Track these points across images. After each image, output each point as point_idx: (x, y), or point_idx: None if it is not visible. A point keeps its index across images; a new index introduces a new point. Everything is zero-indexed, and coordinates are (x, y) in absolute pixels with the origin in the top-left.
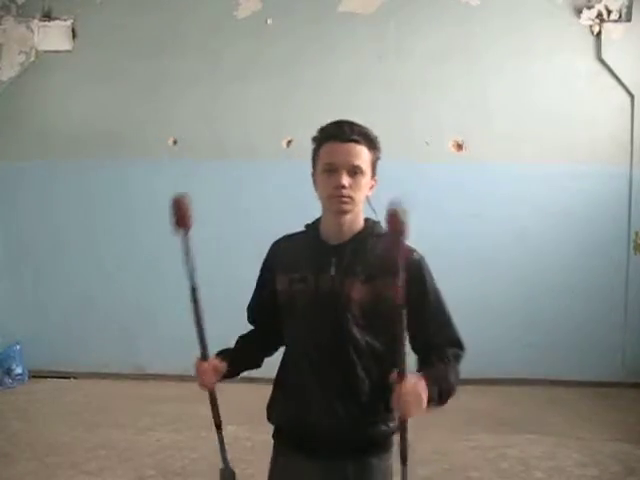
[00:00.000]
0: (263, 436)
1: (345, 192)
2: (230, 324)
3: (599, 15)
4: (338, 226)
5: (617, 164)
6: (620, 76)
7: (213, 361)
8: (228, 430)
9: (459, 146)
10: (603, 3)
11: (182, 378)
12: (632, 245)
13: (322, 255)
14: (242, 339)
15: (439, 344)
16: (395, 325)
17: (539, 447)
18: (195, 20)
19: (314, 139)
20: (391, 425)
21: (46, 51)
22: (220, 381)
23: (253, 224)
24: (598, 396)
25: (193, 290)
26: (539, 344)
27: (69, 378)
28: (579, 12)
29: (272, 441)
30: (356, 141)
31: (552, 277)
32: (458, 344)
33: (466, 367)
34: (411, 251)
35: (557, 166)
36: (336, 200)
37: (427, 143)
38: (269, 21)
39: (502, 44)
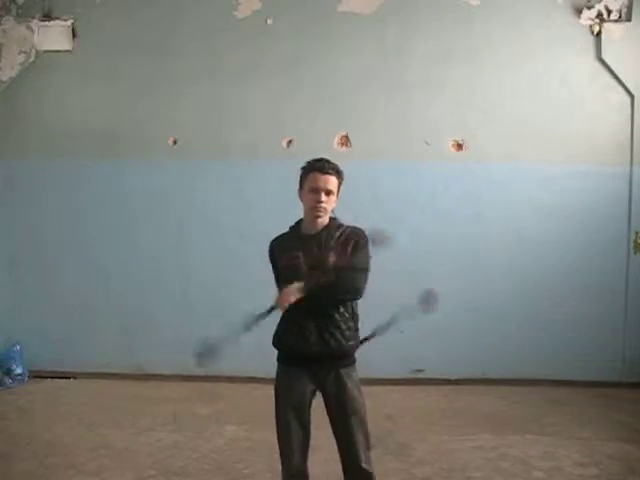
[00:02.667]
0: (263, 436)
1: (322, 205)
2: (234, 315)
3: (599, 15)
4: (315, 224)
5: (617, 164)
6: (620, 76)
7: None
8: (228, 430)
9: (459, 146)
10: (603, 3)
11: (182, 378)
12: (632, 245)
13: (303, 242)
14: None
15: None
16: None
17: (539, 447)
18: (195, 20)
19: (303, 168)
20: (355, 346)
21: (46, 51)
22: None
23: (253, 223)
24: (598, 396)
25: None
26: (539, 344)
27: (69, 378)
28: (579, 12)
29: (276, 363)
30: (330, 173)
31: (552, 277)
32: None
33: (467, 367)
34: (354, 226)
35: (557, 166)
36: (316, 210)
37: (427, 143)
38: (269, 21)
39: (502, 44)
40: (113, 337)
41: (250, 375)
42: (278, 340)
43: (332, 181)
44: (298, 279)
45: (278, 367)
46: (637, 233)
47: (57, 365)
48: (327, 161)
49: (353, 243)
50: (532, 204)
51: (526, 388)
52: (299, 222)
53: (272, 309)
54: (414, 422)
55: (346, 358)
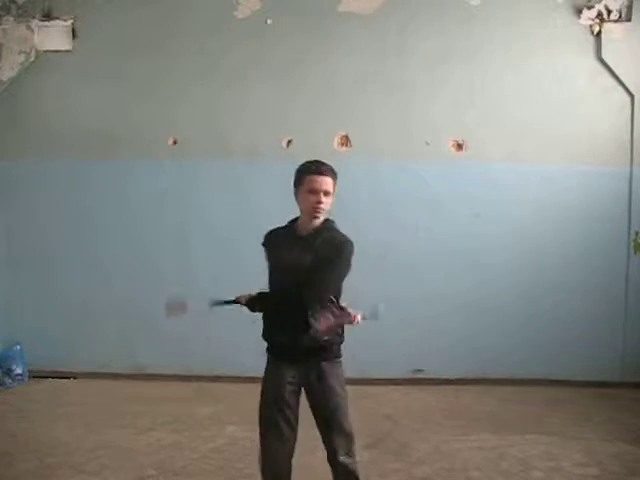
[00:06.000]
0: None
1: (321, 206)
2: (234, 315)
3: (599, 15)
4: (310, 224)
5: (617, 164)
6: (620, 76)
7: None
8: (228, 430)
9: (459, 146)
10: (603, 3)
11: (182, 378)
12: (632, 245)
13: (294, 241)
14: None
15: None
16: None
17: (539, 447)
18: (195, 20)
19: (299, 171)
20: (338, 340)
21: (46, 51)
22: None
23: (253, 223)
24: (598, 396)
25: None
26: (539, 344)
27: (69, 378)
28: (579, 12)
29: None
30: (327, 175)
31: (552, 277)
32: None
33: (467, 367)
34: (342, 235)
35: (557, 166)
36: (315, 210)
37: (427, 143)
38: (269, 21)
39: (502, 44)
40: (113, 337)
41: (250, 375)
42: (264, 332)
43: (329, 182)
44: (278, 273)
45: (267, 359)
46: (637, 233)
47: (57, 365)
48: (322, 163)
49: (325, 252)
50: (532, 204)
51: (526, 388)
52: (297, 219)
53: (232, 302)
54: (414, 422)
55: (326, 352)
